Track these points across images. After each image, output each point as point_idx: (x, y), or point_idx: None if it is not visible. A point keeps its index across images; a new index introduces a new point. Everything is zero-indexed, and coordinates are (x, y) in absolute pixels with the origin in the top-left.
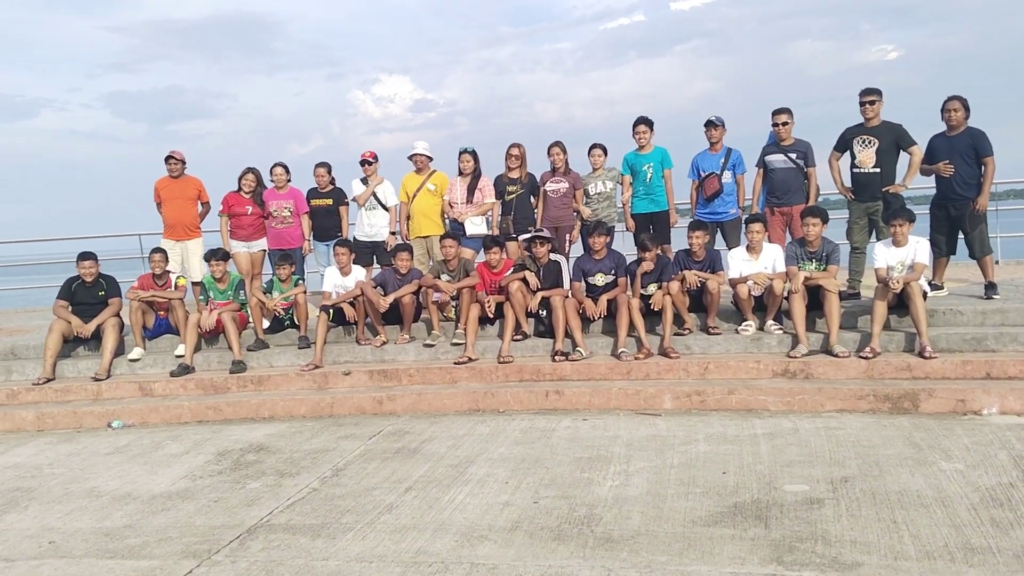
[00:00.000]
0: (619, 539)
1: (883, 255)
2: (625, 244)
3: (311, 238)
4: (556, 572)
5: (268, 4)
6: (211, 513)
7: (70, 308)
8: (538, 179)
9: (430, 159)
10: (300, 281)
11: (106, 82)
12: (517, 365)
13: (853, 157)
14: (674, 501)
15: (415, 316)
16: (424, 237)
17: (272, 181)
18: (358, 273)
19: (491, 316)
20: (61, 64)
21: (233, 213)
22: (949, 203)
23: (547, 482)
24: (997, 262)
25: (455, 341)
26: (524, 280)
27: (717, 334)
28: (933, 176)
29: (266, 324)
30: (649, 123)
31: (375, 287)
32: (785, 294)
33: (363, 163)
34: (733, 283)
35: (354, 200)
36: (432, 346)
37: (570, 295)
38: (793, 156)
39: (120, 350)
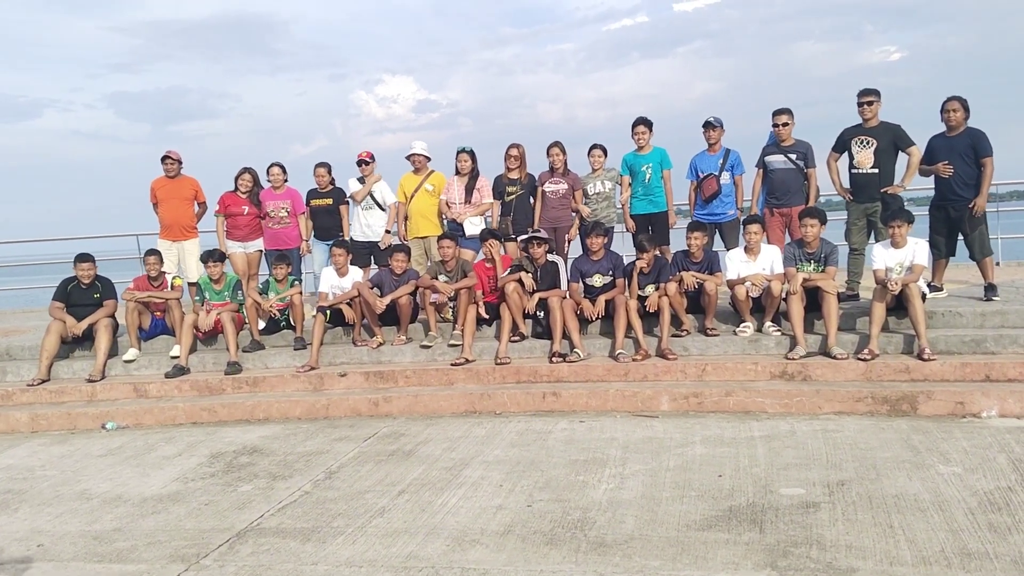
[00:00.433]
0: (612, 543)
1: (882, 256)
2: (624, 245)
3: (311, 238)
4: None
5: (270, 4)
6: (201, 516)
7: (65, 310)
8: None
9: (428, 159)
10: (296, 282)
11: (109, 82)
12: (514, 366)
13: (851, 158)
14: (669, 505)
15: (412, 317)
16: (422, 238)
17: (269, 181)
18: (355, 274)
19: (486, 316)
20: (64, 64)
21: (229, 213)
22: (948, 204)
23: (542, 485)
24: (998, 263)
25: (452, 342)
26: (520, 281)
27: (715, 335)
28: (932, 177)
29: (262, 325)
30: (648, 124)
31: (371, 288)
32: (783, 295)
33: (360, 163)
34: (731, 284)
35: (351, 198)
36: (429, 347)
37: (568, 296)
38: (793, 157)
39: (114, 351)
